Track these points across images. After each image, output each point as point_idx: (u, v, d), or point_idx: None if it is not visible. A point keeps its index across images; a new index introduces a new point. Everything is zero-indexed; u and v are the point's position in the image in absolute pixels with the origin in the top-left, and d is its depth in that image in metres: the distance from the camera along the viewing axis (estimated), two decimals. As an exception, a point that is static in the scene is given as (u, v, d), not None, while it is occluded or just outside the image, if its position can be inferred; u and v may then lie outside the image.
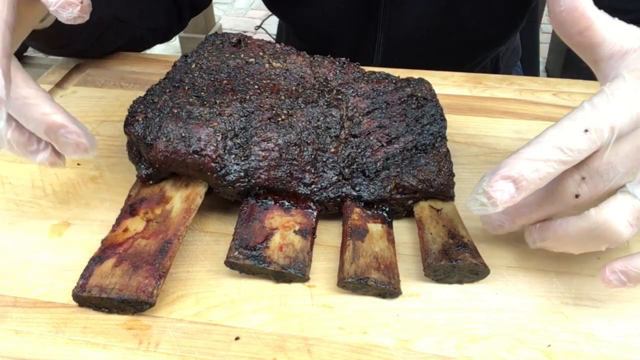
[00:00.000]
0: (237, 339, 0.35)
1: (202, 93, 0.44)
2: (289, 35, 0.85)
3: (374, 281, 0.37)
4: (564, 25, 0.35)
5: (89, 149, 0.37)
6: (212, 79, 0.46)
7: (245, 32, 0.54)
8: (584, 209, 0.33)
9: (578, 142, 0.31)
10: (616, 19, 0.35)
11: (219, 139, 0.41)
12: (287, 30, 0.85)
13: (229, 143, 0.41)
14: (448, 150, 0.45)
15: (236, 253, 0.38)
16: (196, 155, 0.40)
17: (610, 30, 0.34)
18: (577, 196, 0.33)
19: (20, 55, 0.70)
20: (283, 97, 0.45)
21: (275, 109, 0.44)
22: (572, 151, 0.31)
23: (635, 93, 0.32)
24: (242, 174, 0.41)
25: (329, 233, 0.42)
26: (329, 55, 0.51)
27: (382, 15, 0.69)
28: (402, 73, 0.51)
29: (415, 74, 0.51)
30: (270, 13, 0.79)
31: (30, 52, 0.71)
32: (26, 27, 0.39)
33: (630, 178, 0.32)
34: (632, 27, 0.35)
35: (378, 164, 0.43)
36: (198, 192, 0.41)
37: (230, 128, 0.42)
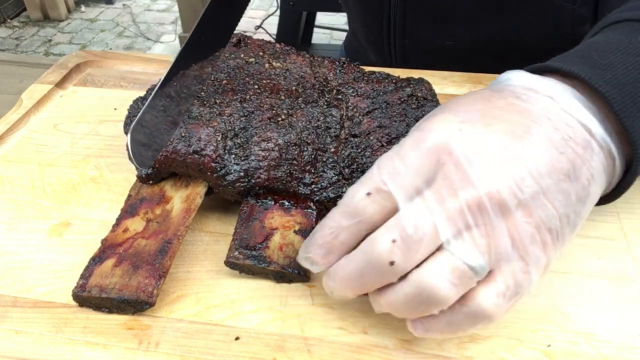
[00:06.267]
0: (237, 339, 0.35)
1: (202, 93, 0.44)
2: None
3: (374, 281, 0.37)
4: None
5: None
6: (212, 79, 0.46)
7: (245, 32, 0.54)
8: None
9: (360, 203, 0.30)
10: None
11: (219, 138, 0.41)
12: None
13: (229, 143, 0.41)
14: (448, 150, 0.44)
15: (236, 253, 0.38)
16: (196, 155, 0.40)
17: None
18: (392, 263, 0.29)
19: (17, 53, 0.69)
20: (283, 97, 0.45)
21: (275, 108, 0.44)
22: (358, 214, 0.30)
23: (419, 153, 0.30)
24: (242, 174, 0.41)
25: (329, 233, 0.42)
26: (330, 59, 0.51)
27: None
28: (402, 73, 0.51)
29: (415, 74, 0.51)
30: (270, 13, 0.77)
31: (31, 52, 0.71)
32: None
33: (447, 235, 0.28)
34: None
35: (378, 164, 0.43)
36: (198, 192, 0.41)
37: (230, 128, 0.42)
